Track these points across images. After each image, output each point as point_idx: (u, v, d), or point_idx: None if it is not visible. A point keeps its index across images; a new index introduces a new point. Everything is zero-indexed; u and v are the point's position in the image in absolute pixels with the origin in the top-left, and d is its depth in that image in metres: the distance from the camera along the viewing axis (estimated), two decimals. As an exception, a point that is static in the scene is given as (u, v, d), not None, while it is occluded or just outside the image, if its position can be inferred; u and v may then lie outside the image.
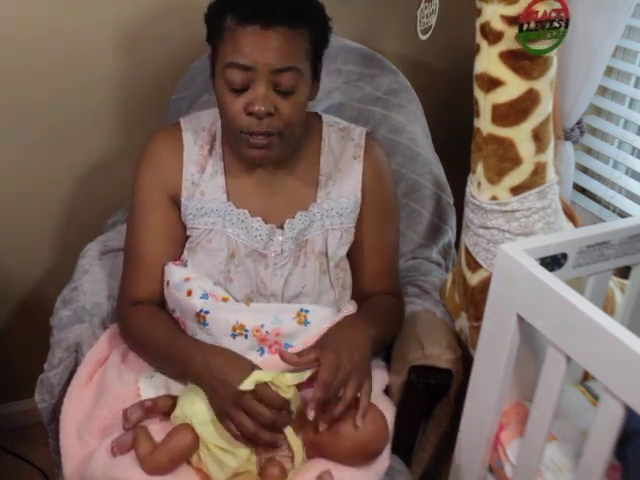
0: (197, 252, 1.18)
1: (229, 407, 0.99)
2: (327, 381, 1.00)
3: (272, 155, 1.10)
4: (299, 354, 1.05)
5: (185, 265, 1.19)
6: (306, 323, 1.13)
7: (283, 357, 1.04)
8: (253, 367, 1.03)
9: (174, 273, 1.17)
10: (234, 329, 1.11)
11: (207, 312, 1.12)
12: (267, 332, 1.11)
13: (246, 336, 1.11)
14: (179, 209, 1.19)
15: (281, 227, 1.18)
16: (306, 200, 1.20)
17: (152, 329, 1.14)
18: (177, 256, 1.20)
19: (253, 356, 1.11)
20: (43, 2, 1.38)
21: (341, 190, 1.21)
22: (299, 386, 1.03)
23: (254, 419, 0.98)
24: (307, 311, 1.13)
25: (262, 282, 1.17)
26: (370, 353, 1.10)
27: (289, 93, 1.05)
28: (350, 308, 1.20)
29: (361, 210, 1.23)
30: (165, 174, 1.18)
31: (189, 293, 1.14)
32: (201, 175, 1.18)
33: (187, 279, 1.16)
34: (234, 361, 1.04)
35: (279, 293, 1.17)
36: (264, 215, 1.18)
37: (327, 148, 1.22)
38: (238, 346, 1.11)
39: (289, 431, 1.02)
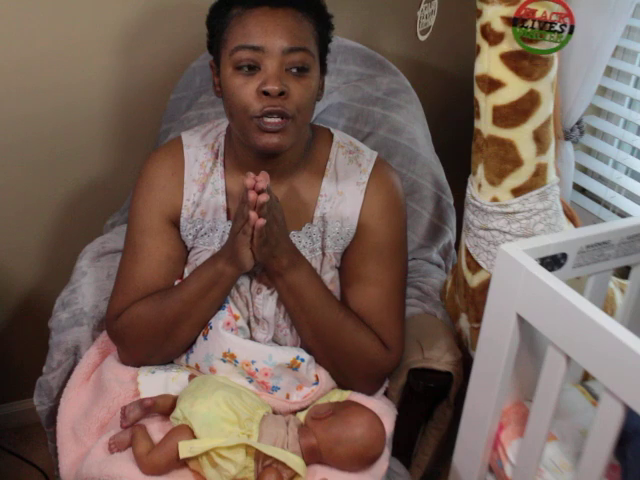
0: None
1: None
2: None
3: (285, 143, 1.02)
4: None
5: None
6: (295, 369, 1.11)
7: None
8: None
9: None
10: (225, 355, 1.10)
11: (211, 328, 1.11)
12: (257, 369, 1.10)
13: (235, 365, 1.11)
14: (178, 229, 1.15)
15: None
16: (302, 219, 1.14)
17: (152, 304, 1.11)
18: (182, 274, 1.17)
19: (242, 381, 1.11)
20: (41, 5, 1.38)
21: (337, 214, 1.14)
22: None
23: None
24: (302, 360, 1.11)
25: (254, 306, 1.14)
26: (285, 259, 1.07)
27: (301, 75, 1.01)
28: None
29: (353, 239, 1.15)
30: (164, 196, 1.13)
31: None
32: (202, 194, 1.14)
33: None
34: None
35: (271, 317, 1.13)
36: None
37: (332, 169, 1.15)
38: (226, 369, 1.11)
39: (290, 456, 1.00)
